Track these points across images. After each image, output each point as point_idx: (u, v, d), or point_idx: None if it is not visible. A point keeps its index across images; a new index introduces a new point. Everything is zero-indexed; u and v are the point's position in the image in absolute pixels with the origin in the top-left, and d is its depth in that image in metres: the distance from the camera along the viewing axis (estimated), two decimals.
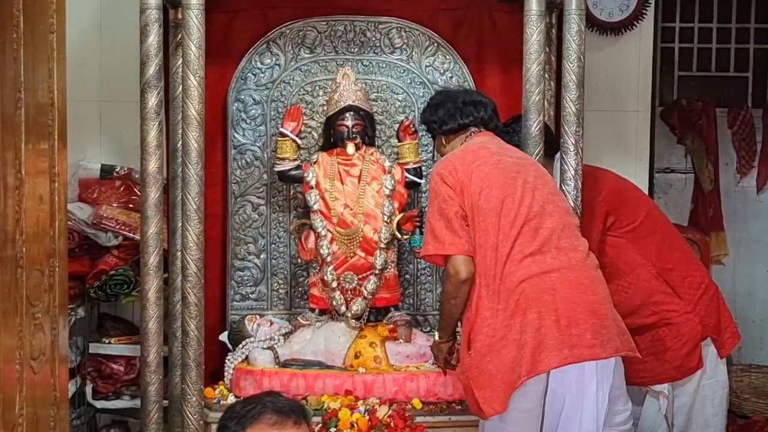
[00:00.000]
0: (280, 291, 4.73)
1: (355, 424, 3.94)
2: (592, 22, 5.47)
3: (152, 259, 4.09)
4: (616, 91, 5.50)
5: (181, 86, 4.08)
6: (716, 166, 6.51)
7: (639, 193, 4.50)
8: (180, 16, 4.18)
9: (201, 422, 4.10)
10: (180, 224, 4.15)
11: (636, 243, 4.31)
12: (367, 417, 3.96)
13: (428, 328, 4.72)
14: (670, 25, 6.61)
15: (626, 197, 4.38)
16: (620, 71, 5.52)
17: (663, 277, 4.34)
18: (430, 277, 4.75)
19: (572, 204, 4.02)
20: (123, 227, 4.86)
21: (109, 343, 5.23)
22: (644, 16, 5.50)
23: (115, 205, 5.07)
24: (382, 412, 3.97)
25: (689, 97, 6.58)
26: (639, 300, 4.30)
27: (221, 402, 4.26)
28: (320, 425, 3.97)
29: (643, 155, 5.54)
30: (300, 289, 4.70)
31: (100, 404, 4.95)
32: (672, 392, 4.37)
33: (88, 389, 4.93)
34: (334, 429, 3.94)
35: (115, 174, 5.17)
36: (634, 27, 5.49)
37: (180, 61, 4.20)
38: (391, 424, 3.94)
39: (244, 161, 4.67)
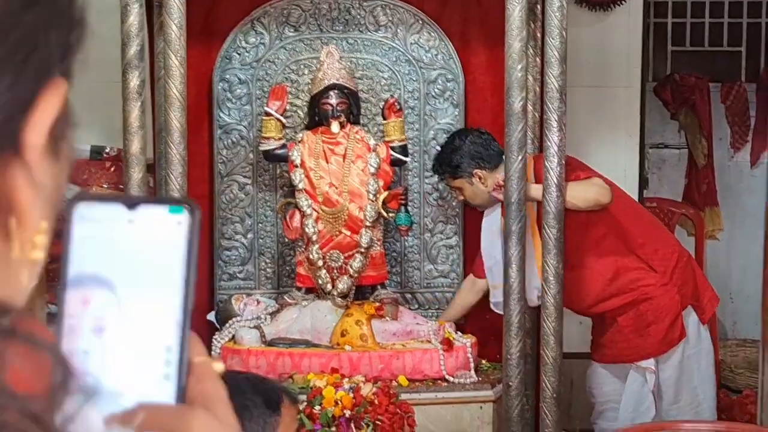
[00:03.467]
0: (268, 270, 4.74)
1: (340, 402, 3.95)
2: None
3: None
4: (605, 67, 5.49)
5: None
6: (710, 141, 6.52)
7: (595, 171, 4.50)
8: None
9: None
10: None
11: (604, 222, 4.32)
12: (352, 395, 3.97)
13: (416, 306, 4.73)
14: None
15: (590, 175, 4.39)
16: (610, 47, 5.50)
17: (635, 253, 4.36)
18: (417, 255, 4.76)
19: (556, 181, 4.02)
20: None
21: None
22: None
23: (105, 185, 5.08)
24: (367, 389, 3.98)
25: (682, 72, 6.56)
26: (616, 281, 4.33)
27: None
28: (305, 403, 3.98)
29: (633, 131, 5.53)
30: (287, 268, 4.71)
31: None
32: (657, 366, 4.38)
33: None
34: (319, 407, 3.95)
35: (105, 155, 5.17)
36: (623, 2, 5.47)
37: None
38: (376, 401, 3.95)
39: (230, 141, 4.67)
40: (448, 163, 4.43)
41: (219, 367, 0.82)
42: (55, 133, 0.65)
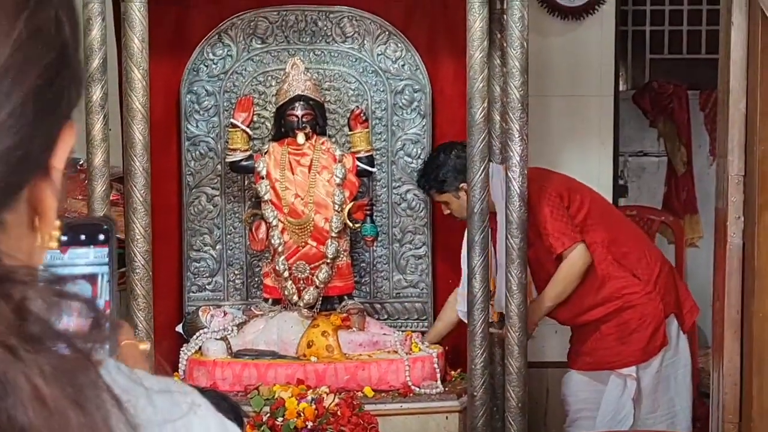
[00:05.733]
0: (237, 281, 4.75)
1: (302, 413, 3.96)
2: (553, 7, 5.46)
3: None
4: (578, 76, 5.49)
5: None
6: (689, 149, 6.52)
7: (578, 183, 4.52)
8: None
9: None
10: None
11: (588, 233, 4.33)
12: (314, 406, 3.97)
13: (385, 316, 4.73)
14: (641, 8, 6.60)
15: (572, 191, 4.41)
16: (582, 56, 5.50)
17: (619, 261, 4.37)
18: (386, 265, 4.76)
19: (518, 191, 4.02)
20: None
21: None
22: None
23: (80, 197, 5.09)
24: (330, 400, 3.98)
25: (661, 80, 6.57)
26: (602, 290, 4.34)
27: None
28: (268, 415, 3.99)
29: (607, 140, 5.53)
30: (256, 279, 4.71)
31: None
32: (638, 374, 4.39)
33: None
34: (281, 418, 3.95)
35: (79, 167, 5.18)
36: (595, 11, 5.48)
37: None
38: (338, 412, 3.95)
39: (197, 152, 4.68)
40: (434, 178, 4.44)
41: (144, 347, 1.10)
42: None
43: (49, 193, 0.84)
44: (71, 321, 0.80)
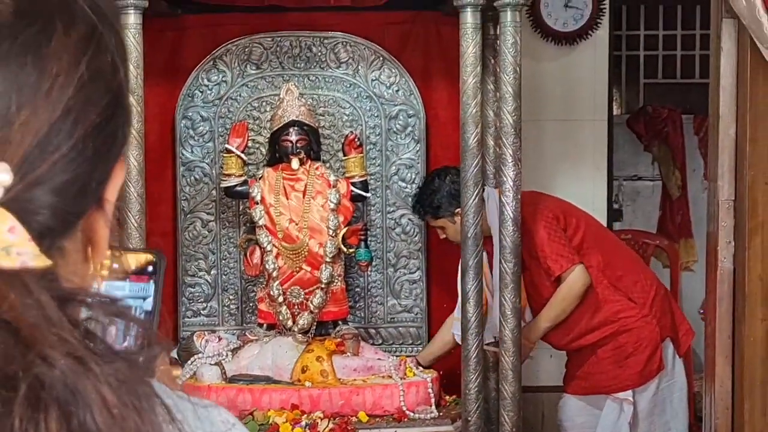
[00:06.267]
0: (231, 306, 4.76)
1: None
2: (546, 32, 5.49)
3: None
4: (572, 101, 5.51)
5: None
6: (683, 173, 6.54)
7: (572, 206, 4.52)
8: None
9: None
10: None
11: (583, 256, 4.33)
12: (309, 431, 3.97)
13: (380, 341, 4.74)
14: (635, 33, 6.63)
15: (567, 214, 4.41)
16: (576, 81, 5.52)
17: (615, 285, 4.37)
18: (380, 290, 4.77)
19: (512, 215, 4.04)
20: None
21: None
22: (599, 25, 5.51)
23: None
24: (324, 425, 3.98)
25: (655, 104, 6.59)
26: (597, 314, 4.34)
27: None
28: None
29: (601, 164, 5.54)
30: (251, 304, 4.72)
31: None
32: (635, 398, 4.38)
33: None
34: None
35: None
36: (589, 36, 5.50)
37: None
38: None
39: (192, 178, 4.70)
40: (429, 203, 4.45)
41: (176, 372, 1.20)
42: None
43: (102, 223, 0.91)
44: (125, 339, 0.88)
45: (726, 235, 3.40)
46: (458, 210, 4.31)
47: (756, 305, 3.18)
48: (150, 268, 1.11)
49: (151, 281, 1.10)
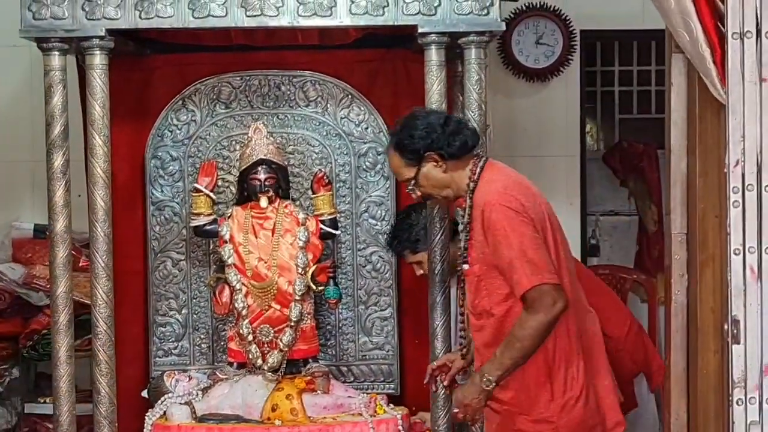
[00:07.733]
0: (203, 345, 4.75)
1: None
2: (518, 69, 5.53)
3: (62, 318, 4.10)
4: (545, 137, 5.56)
5: None
6: (659, 208, 6.55)
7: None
8: None
9: None
10: None
11: None
12: None
13: (351, 378, 4.73)
14: (610, 68, 6.67)
15: None
16: (549, 116, 5.57)
17: None
18: (352, 327, 4.77)
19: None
20: None
21: (45, 402, 5.27)
22: (570, 61, 5.56)
23: (46, 263, 5.10)
24: None
25: (630, 139, 6.62)
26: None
27: None
28: None
29: (575, 200, 5.58)
30: (222, 343, 4.71)
31: None
32: None
33: None
34: None
35: (48, 233, 5.20)
36: (560, 72, 5.55)
37: None
38: None
39: (162, 217, 4.70)
40: (407, 238, 4.41)
41: None
42: None
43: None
44: None
45: (679, 268, 3.40)
46: None
47: (708, 338, 3.18)
48: None
49: None
